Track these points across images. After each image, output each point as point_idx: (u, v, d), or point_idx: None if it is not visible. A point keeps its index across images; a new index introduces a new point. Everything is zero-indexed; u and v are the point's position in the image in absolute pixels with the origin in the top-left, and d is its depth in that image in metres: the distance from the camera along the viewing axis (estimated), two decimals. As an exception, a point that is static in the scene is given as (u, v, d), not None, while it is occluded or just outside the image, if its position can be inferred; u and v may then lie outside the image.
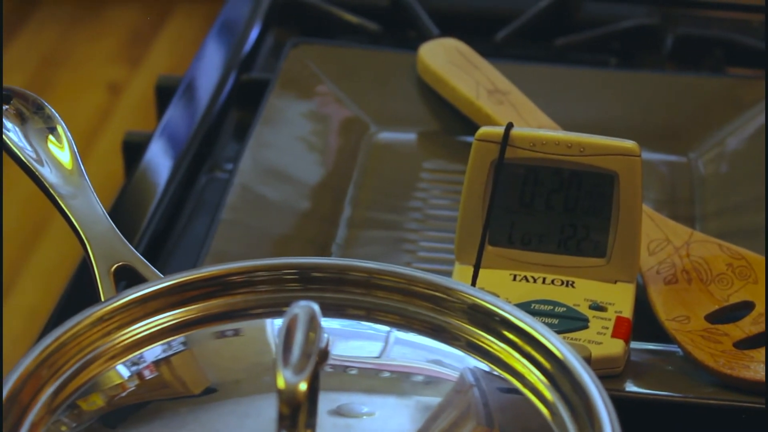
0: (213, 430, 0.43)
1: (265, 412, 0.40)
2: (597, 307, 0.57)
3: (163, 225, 0.68)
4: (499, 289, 0.57)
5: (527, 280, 0.58)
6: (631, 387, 0.55)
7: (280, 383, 0.38)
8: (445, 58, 0.74)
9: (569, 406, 0.43)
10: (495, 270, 0.58)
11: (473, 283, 0.57)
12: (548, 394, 0.44)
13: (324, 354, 0.40)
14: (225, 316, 0.48)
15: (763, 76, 0.77)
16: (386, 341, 0.48)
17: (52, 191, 0.54)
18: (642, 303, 0.58)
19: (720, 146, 0.71)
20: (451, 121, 0.72)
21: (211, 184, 0.72)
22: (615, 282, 0.58)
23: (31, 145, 0.56)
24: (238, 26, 0.85)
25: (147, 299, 0.47)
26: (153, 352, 0.46)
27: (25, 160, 0.55)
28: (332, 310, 0.47)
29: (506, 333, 0.46)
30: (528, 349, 0.45)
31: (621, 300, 0.57)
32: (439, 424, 0.43)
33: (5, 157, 0.56)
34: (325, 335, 0.41)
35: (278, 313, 0.42)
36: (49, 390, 0.43)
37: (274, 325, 0.47)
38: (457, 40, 0.75)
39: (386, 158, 0.71)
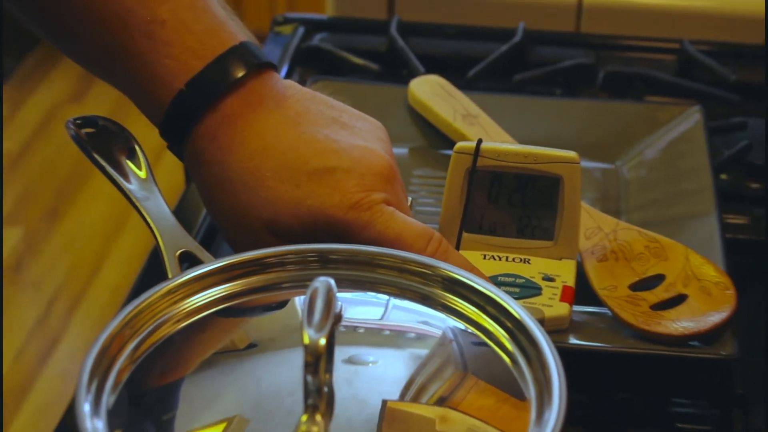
0: (255, 376, 0.43)
1: (295, 361, 0.40)
2: (548, 278, 0.57)
3: (216, 220, 0.68)
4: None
5: (494, 259, 0.58)
6: (573, 340, 0.55)
7: (306, 339, 0.39)
8: (430, 90, 0.74)
9: (526, 355, 0.43)
10: (470, 251, 0.58)
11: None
12: (509, 346, 0.44)
13: (338, 317, 0.40)
14: (262, 289, 0.47)
15: (673, 103, 0.78)
16: (386, 307, 0.48)
17: (130, 195, 0.54)
18: (580, 277, 0.58)
19: (639, 156, 0.71)
20: (435, 138, 0.72)
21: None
22: (560, 259, 0.58)
23: (114, 159, 0.55)
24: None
25: (203, 277, 0.47)
26: (208, 317, 0.46)
27: (110, 171, 0.55)
28: (345, 283, 0.47)
29: (477, 300, 0.46)
30: (494, 311, 0.45)
31: (566, 272, 0.57)
32: (427, 370, 0.43)
33: (92, 166, 0.56)
34: (339, 303, 0.40)
35: (303, 287, 0.42)
36: (131, 345, 0.43)
37: (300, 296, 0.46)
38: (438, 76, 0.75)
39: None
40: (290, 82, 0.55)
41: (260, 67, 0.53)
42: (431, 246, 0.51)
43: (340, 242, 0.50)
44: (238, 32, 0.53)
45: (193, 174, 0.54)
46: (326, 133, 0.52)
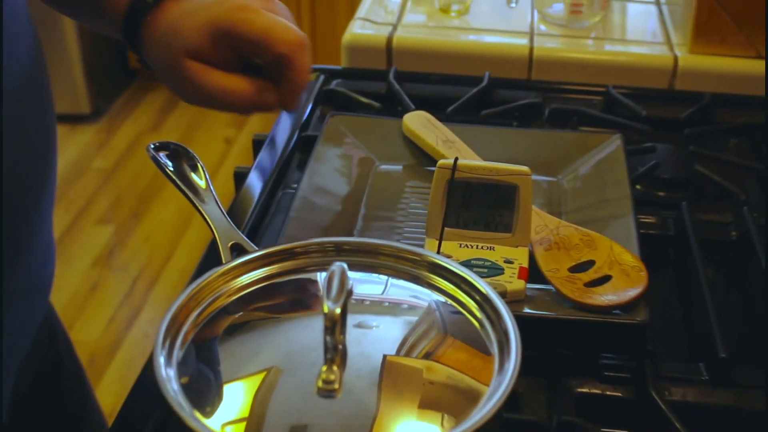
0: (287, 336, 0.43)
1: (317, 325, 0.40)
2: (508, 261, 0.57)
3: (258, 220, 0.68)
4: (452, 252, 0.57)
5: (468, 247, 0.58)
6: (526, 309, 0.55)
7: (325, 309, 0.38)
8: (419, 123, 0.74)
9: (491, 321, 0.43)
10: (449, 241, 0.58)
11: (438, 250, 0.57)
12: (478, 314, 0.44)
13: (349, 292, 0.40)
14: (293, 271, 0.47)
15: (600, 132, 0.77)
16: (386, 285, 0.47)
17: (194, 201, 0.54)
18: (531, 262, 0.58)
19: (575, 172, 0.71)
20: (422, 158, 0.72)
21: (284, 196, 0.72)
22: (517, 246, 0.58)
23: (182, 174, 0.56)
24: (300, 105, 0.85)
25: (249, 262, 0.47)
26: (253, 292, 0.46)
27: (179, 183, 0.55)
28: (355, 267, 0.46)
29: (454, 279, 0.46)
30: (467, 288, 0.45)
31: (521, 257, 0.57)
32: (417, 332, 0.43)
33: (166, 179, 0.56)
34: (350, 282, 0.40)
35: (323, 269, 0.42)
36: (195, 313, 0.43)
37: (321, 276, 0.46)
38: (425, 112, 0.75)
39: (385, 180, 0.70)
40: None
41: None
42: (294, 40, 0.51)
43: (234, 46, 0.51)
44: None
45: (149, 59, 0.56)
46: None
